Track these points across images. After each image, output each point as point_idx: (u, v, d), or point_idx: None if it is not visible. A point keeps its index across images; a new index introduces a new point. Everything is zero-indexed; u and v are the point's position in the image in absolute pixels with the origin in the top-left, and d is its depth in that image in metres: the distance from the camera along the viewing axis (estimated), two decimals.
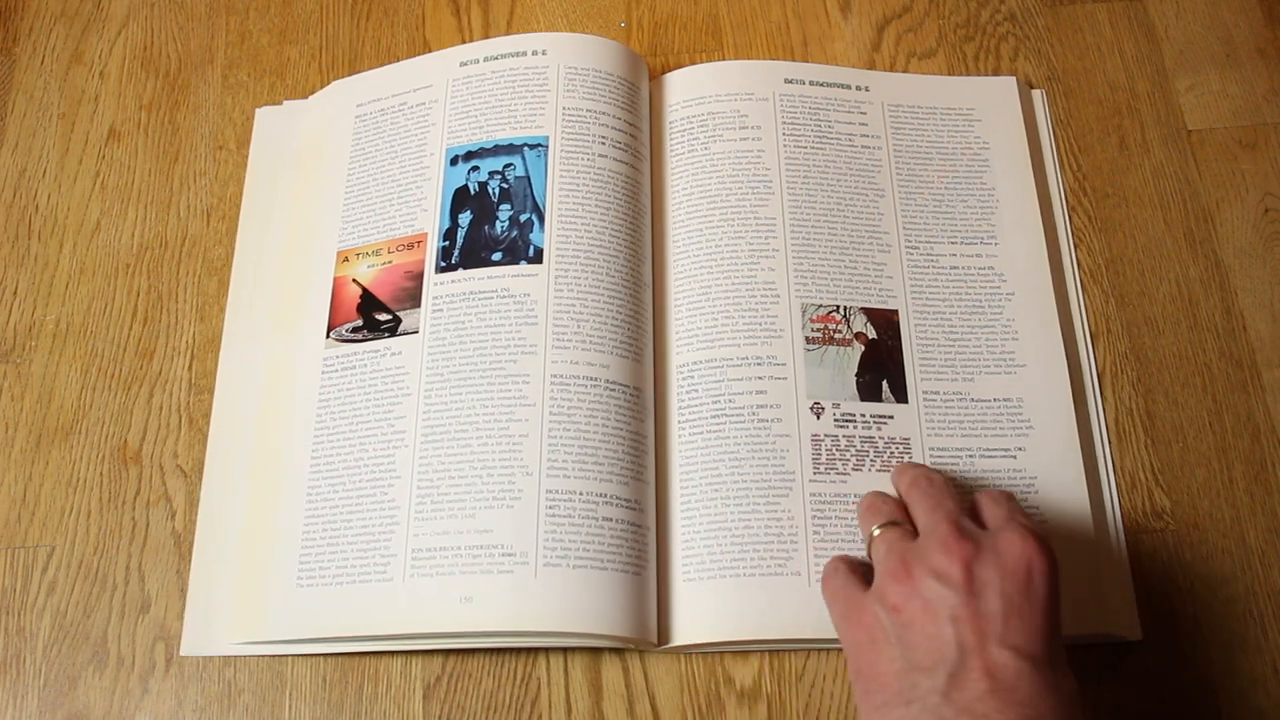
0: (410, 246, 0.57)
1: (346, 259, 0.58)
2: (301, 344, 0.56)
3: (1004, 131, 0.62)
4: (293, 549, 0.52)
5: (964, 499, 0.47)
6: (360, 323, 0.56)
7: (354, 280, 0.57)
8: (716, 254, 0.57)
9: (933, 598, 0.42)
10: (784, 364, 0.54)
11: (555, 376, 0.53)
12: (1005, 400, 0.55)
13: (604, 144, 0.58)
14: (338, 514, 0.52)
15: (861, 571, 0.47)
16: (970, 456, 0.54)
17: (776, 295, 0.56)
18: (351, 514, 0.52)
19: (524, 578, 0.49)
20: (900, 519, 0.47)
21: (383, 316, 0.55)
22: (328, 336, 0.56)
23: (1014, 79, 0.63)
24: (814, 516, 0.52)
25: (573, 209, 0.56)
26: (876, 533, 0.46)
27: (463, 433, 0.52)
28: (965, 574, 0.42)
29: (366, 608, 0.50)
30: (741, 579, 0.51)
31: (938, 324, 0.57)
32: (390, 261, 0.57)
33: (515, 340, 0.53)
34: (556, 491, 0.50)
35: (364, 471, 0.52)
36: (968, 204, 0.60)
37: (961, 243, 0.59)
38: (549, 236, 0.55)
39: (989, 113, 0.62)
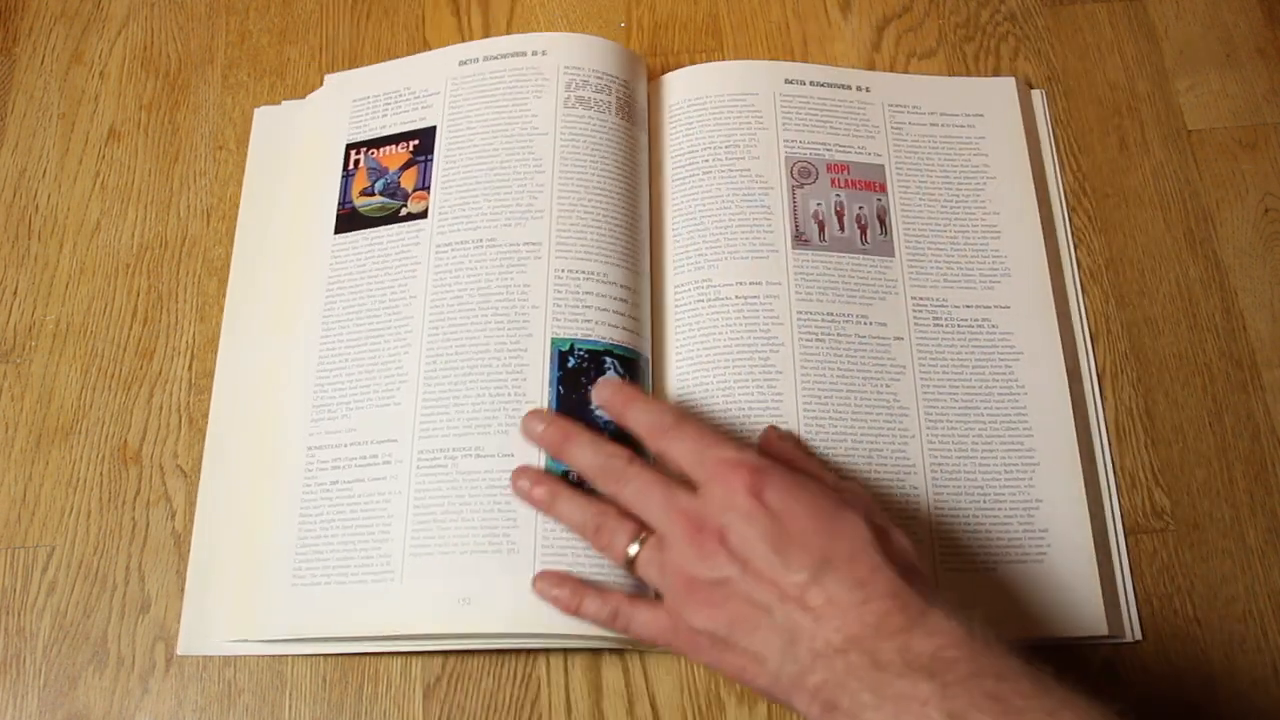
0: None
1: None
2: (298, 342, 0.56)
3: (1003, 133, 0.62)
4: (288, 549, 0.52)
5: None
6: None
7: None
8: (716, 252, 0.57)
9: (725, 590, 0.43)
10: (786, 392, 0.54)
11: (550, 384, 0.53)
12: (1004, 400, 0.55)
13: (603, 144, 0.58)
14: (334, 514, 0.52)
15: (619, 593, 0.47)
16: (969, 456, 0.54)
17: (777, 295, 0.56)
18: (348, 514, 0.52)
19: (523, 579, 0.49)
20: (635, 528, 0.47)
21: None
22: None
23: (1013, 80, 0.63)
24: None
25: (571, 207, 0.56)
26: (633, 554, 0.46)
27: (461, 435, 0.52)
28: (726, 551, 0.43)
29: (363, 608, 0.50)
30: None
31: (937, 322, 0.57)
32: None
33: (514, 340, 0.53)
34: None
35: (363, 471, 0.52)
36: (967, 205, 0.60)
37: (962, 244, 0.59)
38: (548, 238, 0.55)
39: (988, 114, 0.62)
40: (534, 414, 0.51)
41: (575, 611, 0.47)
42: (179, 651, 0.52)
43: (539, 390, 0.52)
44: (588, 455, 0.48)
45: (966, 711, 0.37)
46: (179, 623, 0.53)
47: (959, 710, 0.37)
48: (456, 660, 0.52)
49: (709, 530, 0.44)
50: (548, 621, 0.48)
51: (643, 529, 0.47)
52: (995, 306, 0.57)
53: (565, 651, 0.52)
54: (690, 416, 0.49)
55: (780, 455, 0.50)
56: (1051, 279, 0.58)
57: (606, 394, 0.51)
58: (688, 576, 0.44)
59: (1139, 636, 0.51)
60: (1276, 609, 0.52)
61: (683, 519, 0.44)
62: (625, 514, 0.47)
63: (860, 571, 0.41)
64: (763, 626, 0.42)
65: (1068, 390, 0.55)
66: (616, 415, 0.50)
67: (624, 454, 0.48)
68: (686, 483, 0.46)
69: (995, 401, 0.55)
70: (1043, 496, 0.53)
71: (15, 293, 0.61)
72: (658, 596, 0.47)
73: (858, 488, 0.49)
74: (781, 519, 0.43)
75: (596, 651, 0.52)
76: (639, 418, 0.49)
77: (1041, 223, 0.59)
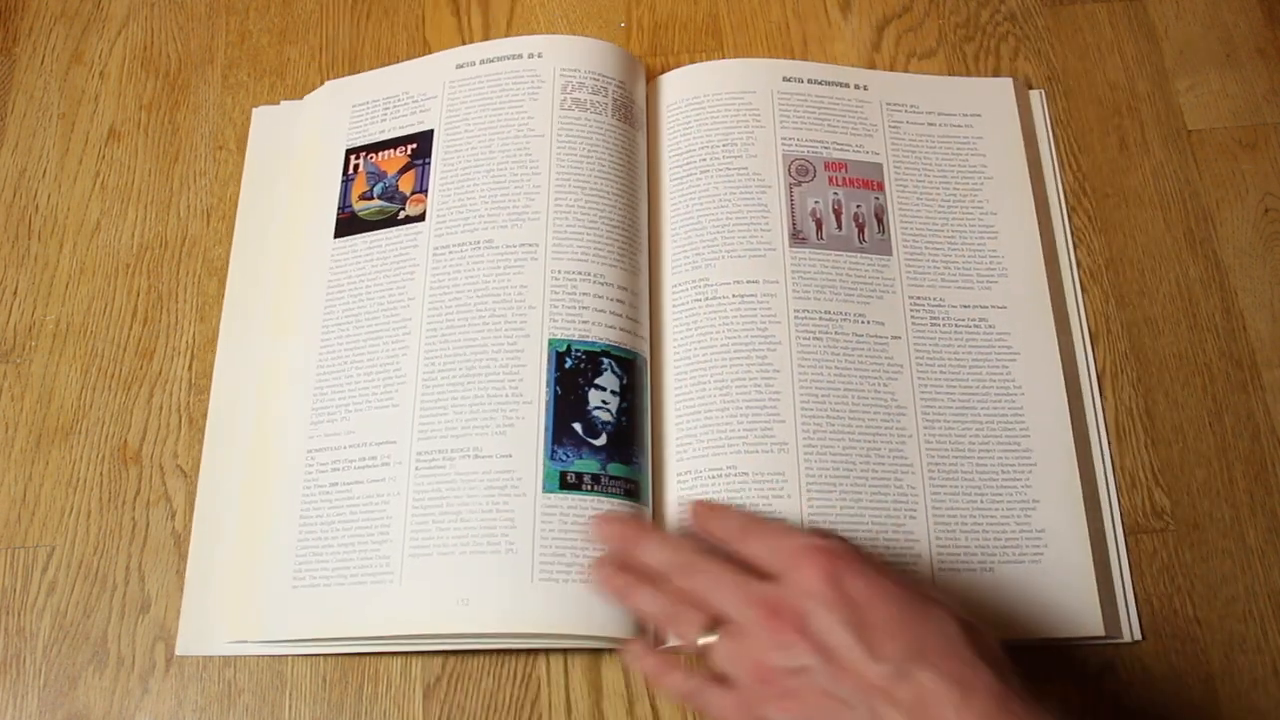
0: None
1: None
2: (298, 346, 0.56)
3: (1000, 133, 0.62)
4: (288, 549, 0.52)
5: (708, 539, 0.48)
6: None
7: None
8: (714, 251, 0.57)
9: (805, 683, 0.41)
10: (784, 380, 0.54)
11: (546, 388, 0.53)
12: (1000, 400, 0.55)
13: (599, 145, 0.58)
14: (334, 515, 0.52)
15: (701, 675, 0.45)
16: (966, 456, 0.54)
17: (775, 293, 0.56)
18: (347, 515, 0.52)
19: (521, 580, 0.49)
20: (708, 620, 0.44)
21: None
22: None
23: (1010, 80, 0.63)
24: (809, 515, 0.52)
25: (568, 209, 0.56)
26: (704, 642, 0.44)
27: (459, 436, 0.52)
28: (805, 640, 0.41)
29: (362, 609, 0.50)
30: None
31: (935, 321, 0.56)
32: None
33: (512, 340, 0.53)
34: (552, 499, 0.50)
35: (362, 473, 0.52)
36: (964, 205, 0.60)
37: (959, 243, 0.59)
38: (545, 239, 0.55)
39: (986, 114, 0.62)
40: (602, 518, 0.50)
41: (660, 681, 0.46)
42: (178, 652, 0.52)
43: (536, 391, 0.52)
44: (659, 552, 0.47)
45: None
46: (179, 623, 0.53)
47: None
48: (456, 660, 0.52)
49: (786, 617, 0.42)
50: (545, 622, 0.48)
51: (717, 620, 0.44)
52: (992, 306, 0.57)
53: (565, 651, 0.52)
54: (762, 517, 0.48)
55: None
56: (1050, 279, 0.58)
57: (692, 512, 0.50)
58: (763, 666, 0.42)
59: (1139, 636, 0.51)
60: (1276, 609, 0.52)
61: (758, 606, 0.43)
62: (701, 605, 0.45)
63: (954, 667, 0.39)
64: None
65: (1064, 390, 0.55)
66: (699, 528, 0.50)
67: (693, 546, 0.47)
68: (763, 575, 0.44)
69: (992, 401, 0.55)
70: (1040, 497, 0.53)
71: (15, 293, 0.61)
72: None
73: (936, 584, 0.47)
74: (864, 607, 0.41)
75: (596, 652, 0.52)
76: (715, 526, 0.48)
77: (1039, 223, 0.59)
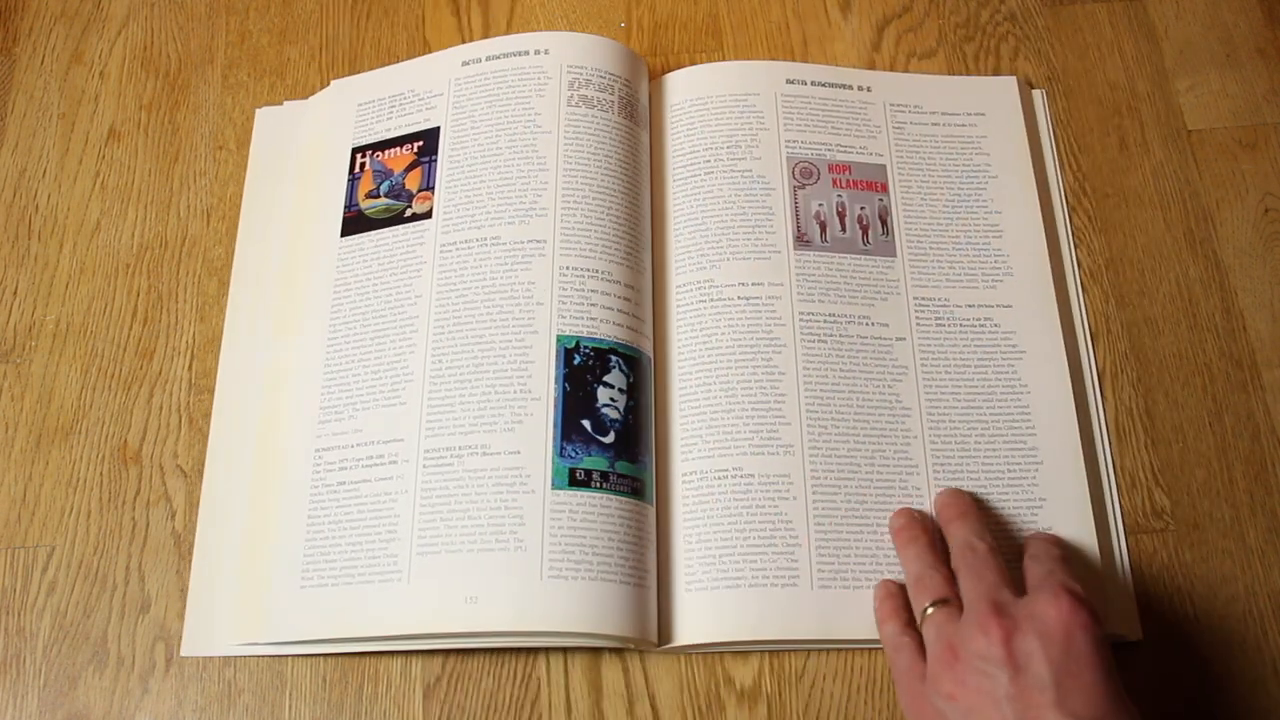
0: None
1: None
2: (305, 345, 0.56)
3: (1005, 132, 0.62)
4: (296, 550, 0.52)
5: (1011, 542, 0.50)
6: None
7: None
8: (719, 253, 0.57)
9: (982, 681, 0.42)
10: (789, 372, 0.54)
11: (556, 385, 0.53)
12: (1006, 399, 0.55)
13: (606, 142, 0.58)
14: (341, 515, 0.52)
15: (916, 634, 0.48)
16: (972, 456, 0.54)
17: (779, 296, 0.56)
18: (355, 515, 0.52)
19: (531, 578, 0.49)
20: (948, 595, 0.47)
21: None
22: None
23: (1014, 79, 0.63)
24: (814, 516, 0.52)
25: (575, 205, 0.56)
26: (929, 612, 0.47)
27: (467, 433, 0.52)
28: (1006, 652, 0.42)
29: (371, 608, 0.50)
30: (743, 580, 0.51)
31: (940, 322, 0.57)
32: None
33: (520, 337, 0.53)
34: (561, 496, 0.50)
35: (370, 472, 0.52)
36: (969, 204, 0.60)
37: (964, 243, 0.59)
38: (552, 235, 0.55)
39: (990, 112, 0.62)
40: (902, 511, 0.52)
41: (882, 622, 0.49)
42: (184, 653, 0.52)
43: (544, 387, 0.52)
44: (966, 532, 0.49)
45: None
46: (179, 622, 0.53)
47: None
48: (456, 660, 0.52)
49: (1002, 623, 0.43)
50: (554, 620, 0.48)
51: (954, 600, 0.47)
52: (997, 305, 0.57)
53: (565, 651, 0.52)
54: (1064, 554, 0.49)
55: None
56: (1053, 280, 0.58)
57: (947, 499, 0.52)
58: (955, 649, 0.44)
59: (1139, 636, 0.51)
60: (1276, 609, 0.52)
61: (988, 602, 0.44)
62: (949, 582, 0.47)
63: None
64: None
65: (1070, 387, 0.55)
66: (1030, 546, 0.50)
67: (992, 543, 0.48)
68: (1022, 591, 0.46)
69: (998, 400, 0.55)
70: (1046, 496, 0.53)
71: (15, 293, 0.61)
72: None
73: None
74: (1078, 663, 0.42)
75: (596, 651, 0.52)
76: (1036, 545, 0.49)
77: (1044, 225, 0.59)
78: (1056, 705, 0.41)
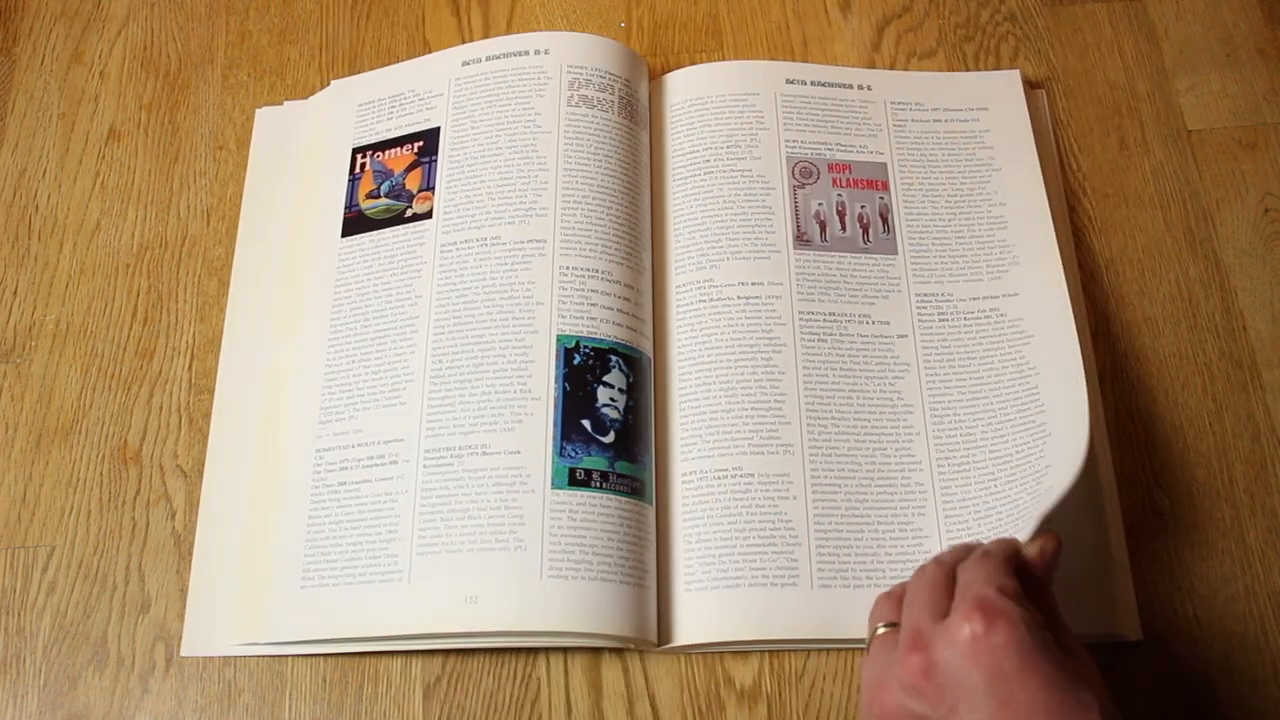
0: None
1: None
2: (305, 345, 0.56)
3: (1009, 123, 0.62)
4: (296, 550, 0.52)
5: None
6: None
7: None
8: (719, 252, 0.57)
9: (910, 712, 0.40)
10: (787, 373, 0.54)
11: (556, 387, 0.53)
12: (1014, 384, 0.55)
13: (606, 142, 0.58)
14: (342, 515, 0.52)
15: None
16: (978, 446, 0.53)
17: (779, 295, 0.56)
18: (356, 515, 0.52)
19: (531, 577, 0.49)
20: (892, 619, 0.44)
21: None
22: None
23: (1018, 72, 0.63)
24: (814, 516, 0.52)
25: (575, 205, 0.56)
26: (880, 632, 0.44)
27: (467, 433, 0.52)
28: (927, 681, 0.39)
29: (372, 608, 0.50)
30: (742, 580, 0.51)
31: (943, 317, 0.56)
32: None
33: (520, 337, 0.53)
34: (561, 496, 0.50)
35: (370, 472, 0.52)
36: (973, 198, 0.60)
37: (967, 237, 0.59)
38: (553, 235, 0.55)
39: (994, 106, 0.62)
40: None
41: (872, 614, 0.45)
42: (184, 653, 0.52)
43: (544, 387, 0.52)
44: (947, 552, 0.45)
45: None
46: (179, 622, 0.53)
47: None
48: (456, 660, 0.52)
49: (918, 658, 0.40)
50: (555, 620, 0.48)
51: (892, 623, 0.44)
52: (1004, 295, 0.57)
53: (565, 651, 0.52)
54: (1005, 553, 0.44)
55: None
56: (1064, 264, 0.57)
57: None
58: (880, 683, 0.42)
59: (1139, 636, 0.51)
60: (1276, 609, 0.52)
61: (908, 629, 0.41)
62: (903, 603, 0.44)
63: None
64: None
65: (1080, 363, 0.53)
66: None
67: (946, 562, 0.44)
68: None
69: (1006, 385, 0.54)
70: (1053, 483, 0.52)
71: (15, 293, 0.61)
72: None
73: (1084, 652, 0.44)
74: (1008, 682, 0.38)
75: (596, 651, 0.52)
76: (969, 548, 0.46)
77: (1052, 215, 0.59)
78: None
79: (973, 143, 0.61)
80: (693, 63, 0.64)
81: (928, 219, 0.59)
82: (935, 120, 0.62)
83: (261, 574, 0.52)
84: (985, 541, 0.45)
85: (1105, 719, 0.38)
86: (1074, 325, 0.55)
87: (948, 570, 0.43)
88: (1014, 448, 0.53)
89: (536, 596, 0.49)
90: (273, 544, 0.52)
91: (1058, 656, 0.39)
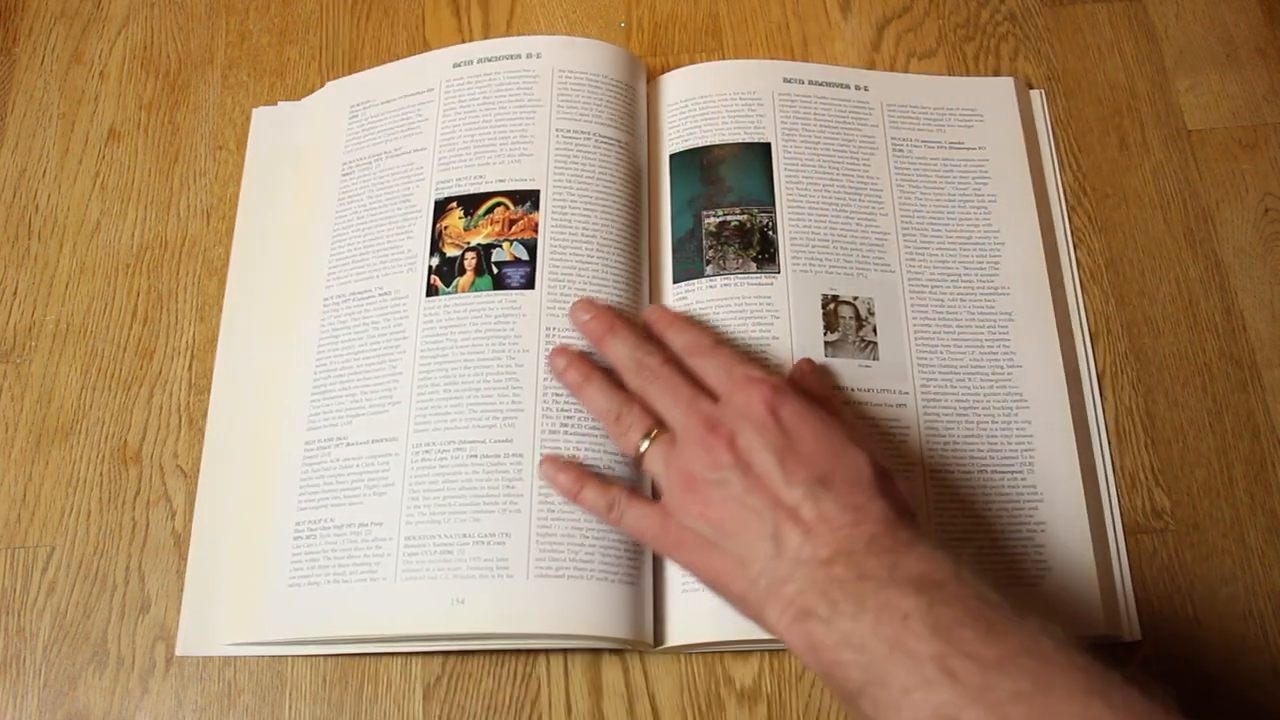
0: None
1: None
2: (297, 345, 0.56)
3: (1002, 132, 0.62)
4: (285, 549, 0.52)
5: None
6: None
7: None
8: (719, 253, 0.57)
9: (722, 490, 0.44)
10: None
11: (548, 385, 0.52)
12: (999, 385, 0.55)
13: (600, 147, 0.58)
14: (331, 515, 0.52)
15: (619, 485, 0.49)
16: (968, 454, 0.54)
17: (775, 293, 0.56)
18: (344, 515, 0.51)
19: (517, 580, 0.49)
20: (652, 425, 0.48)
21: None
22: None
23: (1012, 80, 0.63)
24: None
25: (567, 210, 0.56)
26: (644, 447, 0.48)
27: (457, 432, 0.52)
28: (734, 457, 0.44)
29: (359, 609, 0.49)
30: None
31: (936, 320, 0.56)
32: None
33: (508, 349, 0.53)
34: (550, 494, 0.50)
35: (358, 470, 0.52)
36: (966, 205, 0.60)
37: (959, 242, 0.59)
38: (542, 248, 0.55)
39: (988, 113, 0.62)
40: (583, 302, 0.53)
41: (575, 497, 0.49)
42: (178, 653, 0.52)
43: (534, 383, 0.52)
44: (625, 349, 0.50)
45: (951, 626, 0.37)
46: (179, 623, 0.53)
47: (944, 625, 0.37)
48: (456, 660, 0.52)
49: (720, 433, 0.45)
50: (542, 621, 0.48)
51: (659, 427, 0.48)
52: (996, 310, 0.57)
53: (565, 651, 0.52)
54: (726, 343, 0.51)
55: (808, 388, 0.51)
56: (1051, 281, 0.58)
57: (654, 315, 0.53)
58: (690, 474, 0.45)
59: (1138, 636, 0.51)
60: (1276, 609, 0.52)
61: (699, 419, 0.46)
62: (647, 410, 0.49)
63: (857, 498, 0.42)
64: (751, 531, 0.43)
65: (1066, 389, 0.55)
66: (658, 334, 0.52)
67: (660, 354, 0.50)
68: (712, 395, 0.48)
69: (993, 396, 0.55)
70: (1043, 497, 0.53)
71: (15, 293, 0.61)
72: (656, 498, 0.48)
73: (868, 437, 0.51)
74: (791, 436, 0.44)
75: (596, 651, 0.52)
76: (678, 338, 0.51)
77: (1041, 226, 0.59)
78: (785, 481, 0.43)
79: (967, 150, 0.61)
80: (693, 62, 0.64)
81: (925, 236, 0.58)
82: (931, 124, 0.61)
83: (251, 573, 0.52)
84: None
85: (876, 471, 0.44)
86: (1061, 355, 0.56)
87: (677, 368, 0.49)
88: (1001, 457, 0.54)
89: (524, 598, 0.48)
90: (262, 543, 0.52)
91: (832, 419, 0.46)
